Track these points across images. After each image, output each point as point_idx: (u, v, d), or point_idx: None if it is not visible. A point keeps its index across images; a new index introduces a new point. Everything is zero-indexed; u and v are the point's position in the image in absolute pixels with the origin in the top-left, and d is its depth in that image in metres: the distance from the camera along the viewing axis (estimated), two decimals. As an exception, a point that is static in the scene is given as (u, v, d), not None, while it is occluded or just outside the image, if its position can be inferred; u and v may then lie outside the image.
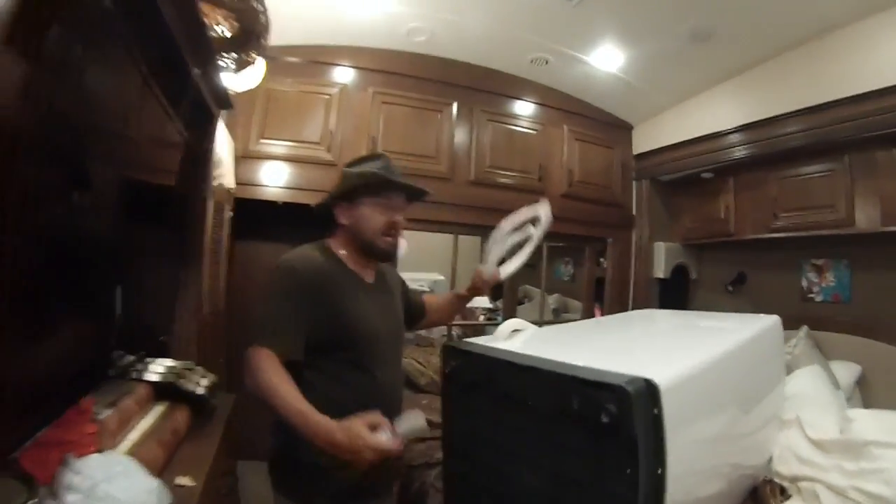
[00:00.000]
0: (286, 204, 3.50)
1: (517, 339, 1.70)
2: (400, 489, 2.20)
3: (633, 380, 1.10)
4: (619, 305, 4.71)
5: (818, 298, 3.83)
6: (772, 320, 2.07)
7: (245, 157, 3.42)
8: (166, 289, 2.29)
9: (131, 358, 1.86)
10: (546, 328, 2.02)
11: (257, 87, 3.36)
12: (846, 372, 3.21)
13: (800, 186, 3.63)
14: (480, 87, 4.10)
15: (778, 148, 3.55)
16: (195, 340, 2.35)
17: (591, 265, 4.79)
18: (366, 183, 1.66)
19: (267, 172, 3.50)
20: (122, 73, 1.57)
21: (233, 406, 2.17)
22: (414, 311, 1.98)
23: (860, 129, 3.03)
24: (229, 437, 2.04)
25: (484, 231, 3.97)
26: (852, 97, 3.01)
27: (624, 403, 1.07)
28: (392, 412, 1.51)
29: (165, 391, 1.81)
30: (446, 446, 1.68)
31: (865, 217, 3.22)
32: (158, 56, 1.70)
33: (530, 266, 5.67)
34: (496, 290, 1.80)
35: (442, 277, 5.51)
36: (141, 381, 1.75)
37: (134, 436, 1.49)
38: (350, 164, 1.77)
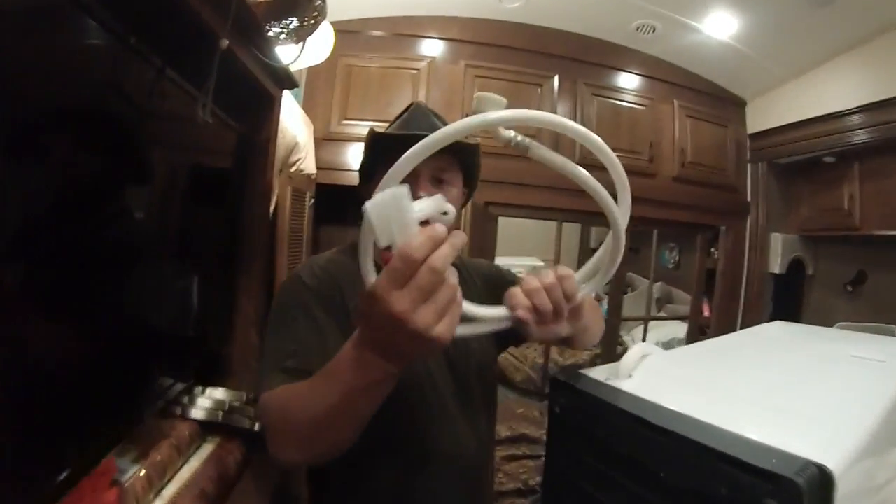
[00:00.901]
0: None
1: (642, 373, 1.31)
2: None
3: (803, 468, 0.80)
4: (729, 301, 4.25)
5: None
6: None
7: (326, 140, 3.15)
8: (222, 296, 1.96)
9: (178, 387, 1.58)
10: (674, 354, 1.63)
11: (335, 63, 3.10)
12: None
13: None
14: (582, 57, 3.68)
15: None
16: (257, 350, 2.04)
17: (702, 256, 4.31)
18: (370, 149, 1.19)
19: (351, 155, 3.20)
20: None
21: None
22: None
23: None
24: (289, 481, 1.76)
25: (588, 217, 3.59)
26: None
27: (792, 501, 0.78)
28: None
29: (215, 425, 1.53)
30: (547, 492, 1.35)
31: None
32: (178, 31, 1.34)
33: (634, 250, 5.25)
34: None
35: (541, 263, 5.12)
36: (185, 418, 1.47)
37: (171, 490, 1.21)
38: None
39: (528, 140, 0.84)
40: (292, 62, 1.88)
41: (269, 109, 2.04)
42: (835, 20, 3.14)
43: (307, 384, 0.85)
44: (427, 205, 0.69)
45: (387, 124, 2.65)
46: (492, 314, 0.84)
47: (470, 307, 0.77)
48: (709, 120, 4.07)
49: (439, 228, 0.65)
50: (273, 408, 0.92)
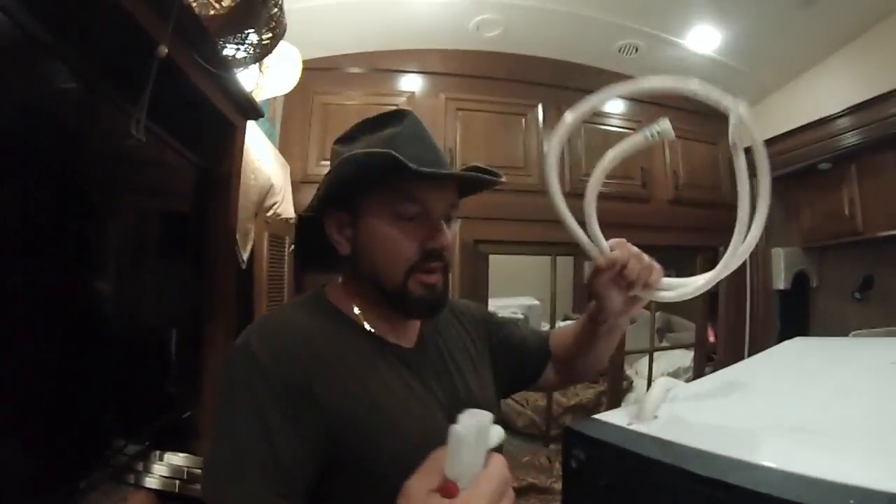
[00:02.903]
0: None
1: (668, 413, 1.13)
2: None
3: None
4: (735, 323, 4.14)
5: None
6: None
7: (305, 182, 3.02)
8: (186, 351, 1.78)
9: (133, 449, 1.39)
10: (697, 386, 1.46)
11: (311, 101, 3.02)
12: None
13: None
14: (565, 84, 3.58)
15: None
16: None
17: (703, 280, 4.16)
18: (368, 170, 0.85)
19: (331, 198, 3.05)
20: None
21: None
22: (531, 364, 1.22)
23: None
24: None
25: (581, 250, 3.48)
26: None
27: None
28: None
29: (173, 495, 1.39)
30: None
31: None
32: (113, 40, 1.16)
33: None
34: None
35: (537, 302, 4.98)
36: (139, 486, 1.34)
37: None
38: (345, 136, 0.99)
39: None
40: (255, 89, 1.77)
41: (231, 140, 1.87)
42: (819, 20, 3.08)
43: None
44: (499, 433, 0.65)
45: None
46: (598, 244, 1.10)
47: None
48: (699, 139, 3.99)
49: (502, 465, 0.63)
50: None
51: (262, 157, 2.27)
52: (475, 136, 3.26)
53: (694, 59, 3.52)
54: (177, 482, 1.38)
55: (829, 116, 3.40)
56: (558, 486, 1.70)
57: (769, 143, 3.73)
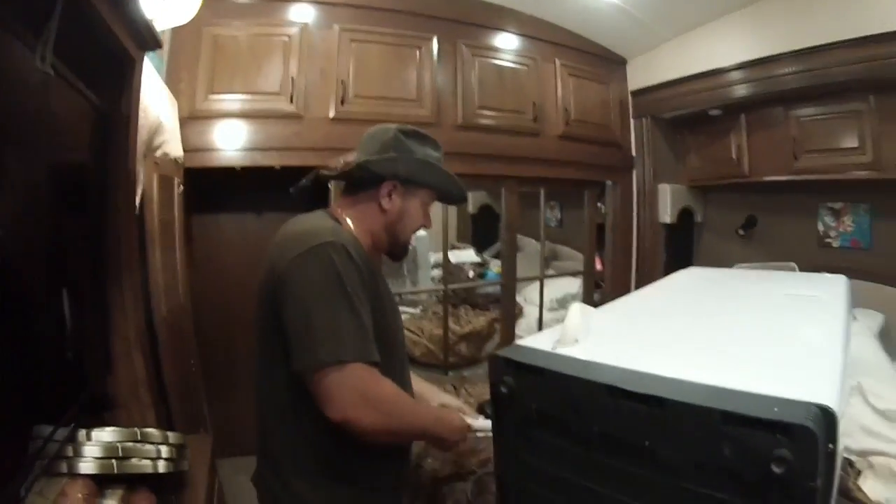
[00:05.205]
0: (244, 169, 2.99)
1: (587, 337, 1.22)
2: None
3: (810, 412, 0.77)
4: (622, 253, 4.41)
5: (836, 244, 3.64)
6: (844, 283, 1.88)
7: (192, 119, 2.86)
8: (93, 316, 1.60)
9: (60, 433, 1.21)
10: (606, 312, 1.57)
11: (200, 33, 2.84)
12: (871, 321, 2.98)
13: (823, 127, 3.35)
14: (463, 18, 3.56)
15: (789, 86, 3.24)
16: (148, 365, 1.76)
17: (591, 212, 4.37)
18: (434, 175, 1.44)
19: (220, 134, 2.94)
20: None
21: (211, 451, 1.67)
22: None
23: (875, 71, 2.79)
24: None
25: (476, 181, 3.53)
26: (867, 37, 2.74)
27: (806, 447, 0.75)
28: None
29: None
30: (503, 484, 1.26)
31: (894, 162, 2.99)
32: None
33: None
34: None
35: (423, 233, 5.03)
36: (74, 474, 1.18)
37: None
38: (407, 135, 1.43)
39: None
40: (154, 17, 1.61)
41: (130, 76, 1.68)
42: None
43: (413, 405, 1.38)
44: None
45: (258, 96, 2.98)
46: None
47: None
48: (591, 79, 4.11)
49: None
50: (388, 393, 1.22)
51: (149, 93, 2.08)
52: (370, 68, 3.18)
53: (588, 3, 3.59)
54: (114, 461, 1.26)
55: (722, 69, 3.57)
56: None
57: (663, 86, 3.98)
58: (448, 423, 1.38)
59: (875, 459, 1.81)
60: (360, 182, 1.40)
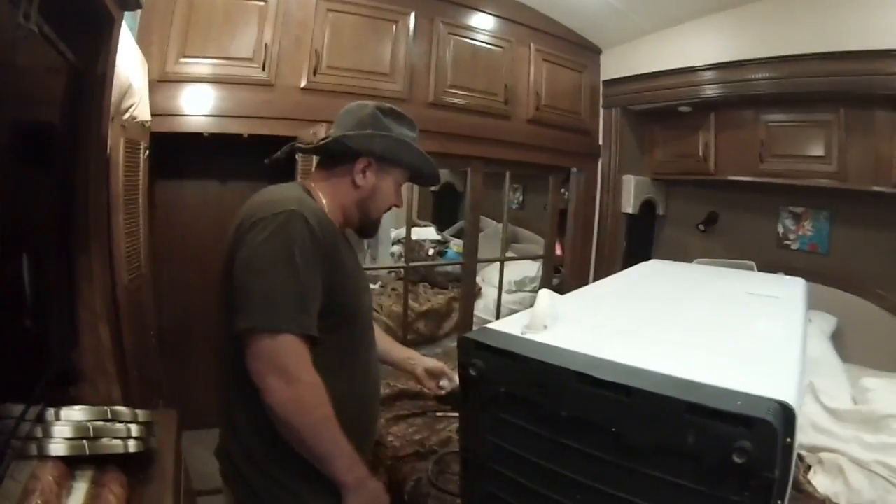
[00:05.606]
0: (212, 135, 2.92)
1: (555, 323, 1.25)
2: (390, 486, 1.80)
3: (771, 407, 0.83)
4: (582, 240, 4.48)
5: (794, 246, 3.76)
6: (802, 285, 1.98)
7: (162, 82, 2.77)
8: (58, 286, 1.56)
9: (28, 416, 1.14)
10: (572, 299, 1.60)
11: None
12: (825, 323, 3.14)
13: (791, 133, 3.43)
14: (440, -6, 3.53)
15: (760, 91, 3.32)
16: (114, 337, 1.72)
17: (555, 196, 4.43)
18: (409, 155, 1.47)
19: (189, 98, 2.86)
20: None
21: (177, 428, 1.64)
22: None
23: (853, 86, 2.88)
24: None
25: (443, 160, 3.51)
26: (843, 53, 2.82)
27: (766, 440, 0.81)
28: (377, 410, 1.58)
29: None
30: (468, 462, 1.29)
31: (857, 174, 3.09)
32: None
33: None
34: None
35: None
36: (44, 456, 1.13)
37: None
38: (384, 113, 1.46)
39: None
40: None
41: (108, 35, 1.61)
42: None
43: (335, 423, 1.22)
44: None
45: (230, 62, 2.90)
46: None
47: None
48: (564, 65, 4.14)
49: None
50: (308, 381, 1.19)
51: (121, 53, 2.01)
52: (344, 39, 3.14)
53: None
54: (85, 442, 1.20)
55: (696, 67, 3.63)
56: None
57: (636, 79, 4.03)
58: (363, 481, 1.27)
59: (824, 455, 1.92)
60: (336, 156, 1.43)
